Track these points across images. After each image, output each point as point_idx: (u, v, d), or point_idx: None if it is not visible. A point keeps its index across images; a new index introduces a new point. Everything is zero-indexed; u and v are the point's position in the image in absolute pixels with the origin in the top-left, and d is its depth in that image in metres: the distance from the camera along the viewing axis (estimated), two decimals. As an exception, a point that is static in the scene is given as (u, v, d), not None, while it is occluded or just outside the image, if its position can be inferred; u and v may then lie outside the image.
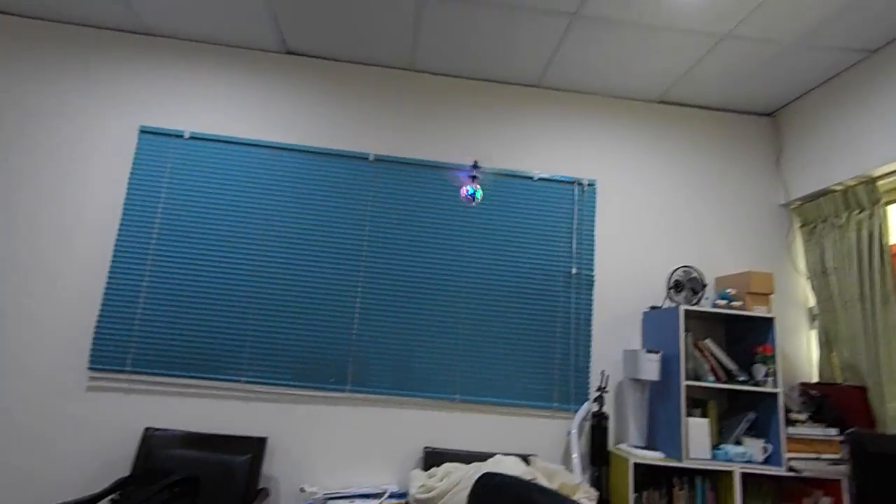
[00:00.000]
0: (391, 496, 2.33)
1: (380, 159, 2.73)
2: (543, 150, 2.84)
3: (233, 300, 2.53)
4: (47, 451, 2.35)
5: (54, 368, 2.42)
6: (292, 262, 2.59)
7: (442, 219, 2.69)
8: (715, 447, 2.33)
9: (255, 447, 2.38)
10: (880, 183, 2.35)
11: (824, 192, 2.58)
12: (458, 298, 2.62)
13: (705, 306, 2.42)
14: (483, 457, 2.41)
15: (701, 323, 2.64)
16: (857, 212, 2.40)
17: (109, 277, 2.49)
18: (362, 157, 2.72)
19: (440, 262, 2.65)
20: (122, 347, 2.45)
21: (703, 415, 2.41)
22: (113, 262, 2.51)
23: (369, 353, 2.54)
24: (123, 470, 2.37)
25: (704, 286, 2.49)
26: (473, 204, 2.64)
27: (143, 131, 2.64)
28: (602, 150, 2.87)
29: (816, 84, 2.65)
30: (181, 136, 2.65)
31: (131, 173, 2.60)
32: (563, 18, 2.32)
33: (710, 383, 2.34)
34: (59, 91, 2.65)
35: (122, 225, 2.54)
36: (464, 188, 2.59)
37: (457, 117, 2.84)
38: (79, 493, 2.33)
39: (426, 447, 2.46)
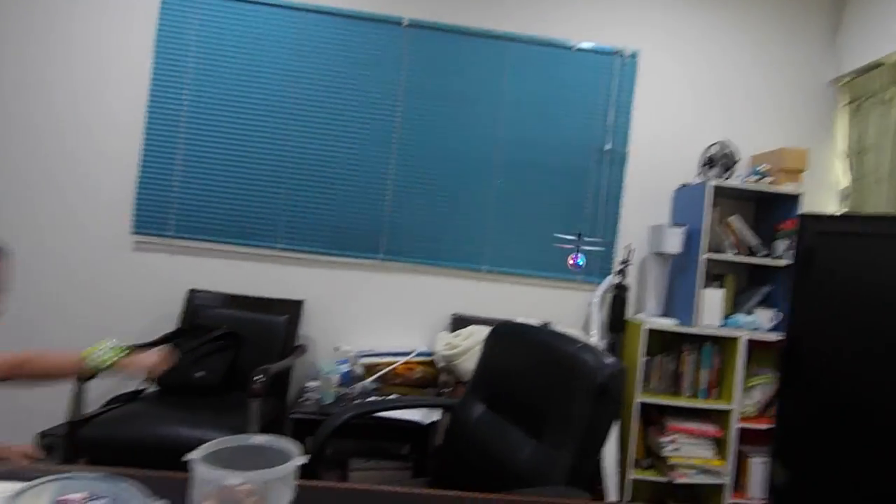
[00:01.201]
0: (419, 354, 2.52)
1: (413, 24, 2.57)
2: (584, 16, 2.67)
3: (268, 168, 2.55)
4: (99, 302, 2.51)
5: (102, 229, 2.51)
6: (324, 130, 2.56)
7: (477, 90, 2.61)
8: (727, 317, 2.47)
9: (292, 309, 2.52)
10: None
11: (876, 65, 2.47)
12: (489, 171, 2.62)
13: (734, 182, 2.42)
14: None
15: (731, 199, 2.66)
16: (906, 86, 2.32)
17: (145, 143, 2.49)
18: (395, 22, 2.57)
19: (473, 135, 2.61)
20: (162, 212, 2.51)
21: (721, 287, 2.53)
22: (147, 127, 2.48)
23: (402, 223, 2.59)
24: (170, 326, 2.52)
25: (736, 162, 2.48)
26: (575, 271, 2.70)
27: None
28: (646, 19, 2.69)
29: (889, -58, 2.42)
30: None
31: (157, 36, 2.50)
32: None
33: (729, 257, 2.42)
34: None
35: (153, 87, 2.49)
36: (571, 257, 2.63)
37: None
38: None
39: (454, 314, 2.61)
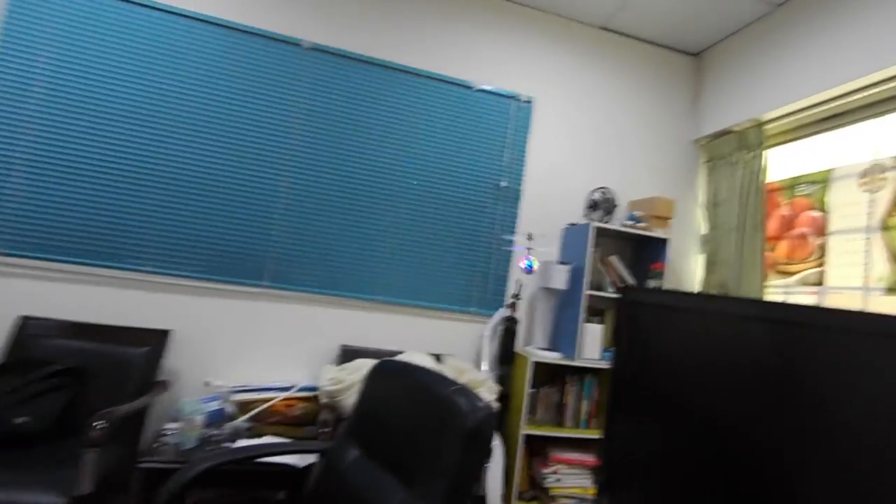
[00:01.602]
0: (302, 389, 2.34)
1: (315, 48, 2.49)
2: (486, 61, 2.78)
3: (137, 183, 2.26)
4: None
5: None
6: (209, 147, 2.35)
7: (376, 120, 2.57)
8: (606, 350, 2.63)
9: (155, 339, 2.23)
10: (767, 127, 2.65)
11: (726, 132, 2.86)
12: (386, 201, 2.57)
13: (614, 225, 2.63)
14: (396, 354, 2.50)
15: (611, 240, 2.88)
16: (746, 152, 2.70)
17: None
18: (294, 43, 2.46)
19: (371, 163, 2.56)
20: (-12, 222, 2.09)
21: (602, 322, 2.69)
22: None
23: (291, 250, 2.43)
24: (-7, 359, 2.10)
25: (616, 206, 2.69)
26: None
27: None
28: (543, 69, 2.88)
29: (735, 30, 2.85)
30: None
31: (3, 26, 2.12)
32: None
33: (609, 294, 2.60)
34: None
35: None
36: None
37: (402, 15, 2.66)
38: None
39: (343, 345, 2.48)
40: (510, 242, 2.73)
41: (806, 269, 2.50)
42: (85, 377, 2.01)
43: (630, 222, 2.64)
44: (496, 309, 2.69)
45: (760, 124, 2.65)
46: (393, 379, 1.44)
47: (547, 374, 2.62)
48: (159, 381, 2.20)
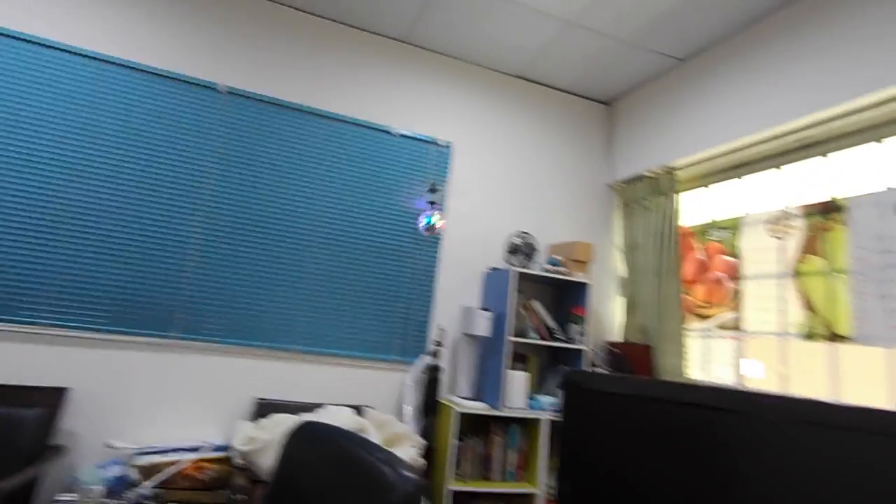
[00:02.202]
0: (215, 449, 2.23)
1: (231, 92, 2.53)
2: (405, 106, 2.87)
3: (38, 229, 2.19)
4: None
5: None
6: (114, 191, 2.31)
7: (293, 164, 2.59)
8: (531, 397, 2.60)
9: (50, 398, 2.11)
10: (678, 173, 2.76)
11: (639, 177, 2.97)
12: (303, 247, 2.56)
13: (535, 269, 2.66)
14: (315, 407, 2.41)
15: (532, 285, 2.90)
16: (659, 197, 2.80)
17: None
18: (211, 87, 2.50)
19: (287, 209, 2.56)
20: None
21: (525, 369, 2.66)
22: None
23: (201, 299, 2.37)
24: None
25: (536, 251, 2.73)
26: (428, 234, 2.62)
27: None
28: (461, 115, 2.98)
29: (644, 81, 3.02)
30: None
31: None
32: (426, -23, 2.34)
33: (532, 340, 2.59)
34: None
35: None
36: (421, 217, 2.57)
37: (320, 59, 2.73)
38: None
39: (258, 398, 2.39)
40: (416, 198, 2.60)
41: (722, 313, 2.55)
42: None
43: (550, 266, 2.67)
44: (417, 356, 2.65)
45: (672, 170, 2.76)
46: (314, 443, 1.36)
47: (472, 424, 2.56)
48: (53, 446, 2.07)
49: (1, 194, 2.17)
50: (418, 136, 2.83)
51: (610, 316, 3.05)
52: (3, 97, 2.21)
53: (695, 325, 2.68)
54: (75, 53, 2.33)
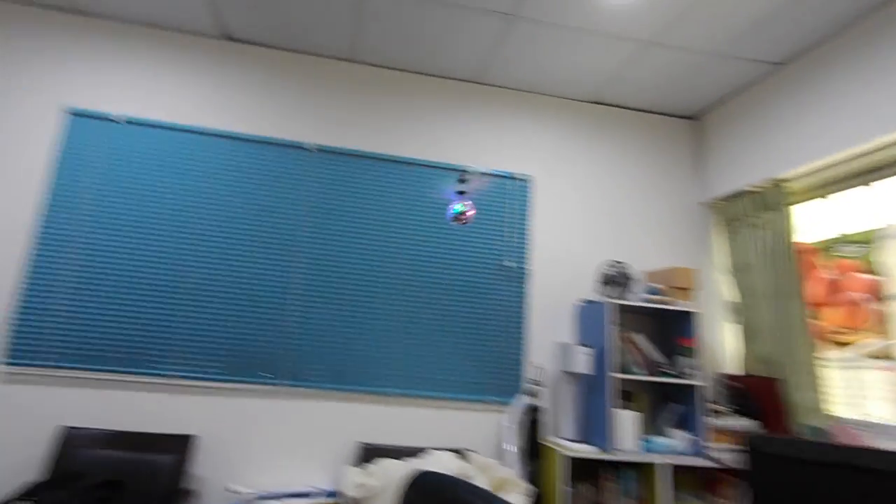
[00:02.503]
0: (325, 495, 2.28)
1: (319, 149, 2.72)
2: (482, 145, 2.90)
3: (164, 291, 2.45)
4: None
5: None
6: (224, 252, 2.54)
7: (379, 211, 2.70)
8: (644, 439, 2.40)
9: (181, 445, 2.30)
10: (788, 185, 2.50)
11: (740, 193, 2.73)
12: (393, 292, 2.62)
13: (633, 300, 2.50)
14: (418, 452, 2.40)
15: (630, 316, 2.73)
16: (768, 212, 2.54)
17: (32, 267, 2.37)
18: (300, 147, 2.71)
19: (376, 256, 2.65)
20: (42, 340, 2.33)
21: (632, 407, 2.48)
22: (36, 250, 2.39)
23: (303, 346, 2.50)
24: (34, 472, 2.23)
25: (632, 280, 2.57)
26: (456, 223, 2.63)
27: (74, 114, 2.55)
28: (537, 147, 2.95)
29: (735, 92, 2.82)
30: (114, 121, 2.57)
31: (60, 156, 2.50)
32: (500, 18, 2.39)
33: (638, 376, 2.41)
34: (-19, 73, 2.54)
35: (45, 211, 2.43)
36: (450, 207, 2.60)
37: (397, 110, 2.87)
38: (-18, 497, 2.19)
39: (360, 442, 2.43)
40: (454, 187, 2.50)
41: (867, 340, 2.21)
42: (121, 489, 2.08)
43: (650, 296, 2.50)
44: (513, 395, 2.56)
45: (780, 182, 2.51)
46: (431, 494, 1.36)
47: (579, 468, 2.40)
48: (186, 490, 2.23)
49: (131, 261, 2.46)
50: (496, 172, 2.84)
51: (722, 346, 2.78)
52: (133, 175, 2.54)
53: (831, 353, 2.35)
54: (186, 131, 2.63)
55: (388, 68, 2.91)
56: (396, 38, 2.63)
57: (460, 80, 2.96)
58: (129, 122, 2.59)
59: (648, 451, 2.34)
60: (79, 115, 2.55)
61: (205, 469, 2.35)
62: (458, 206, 2.53)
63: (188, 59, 2.73)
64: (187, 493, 2.22)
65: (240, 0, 2.46)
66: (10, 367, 2.29)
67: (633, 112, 3.10)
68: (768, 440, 1.02)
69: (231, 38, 2.78)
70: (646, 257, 2.87)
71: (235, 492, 2.27)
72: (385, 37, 2.63)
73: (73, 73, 2.61)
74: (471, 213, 2.58)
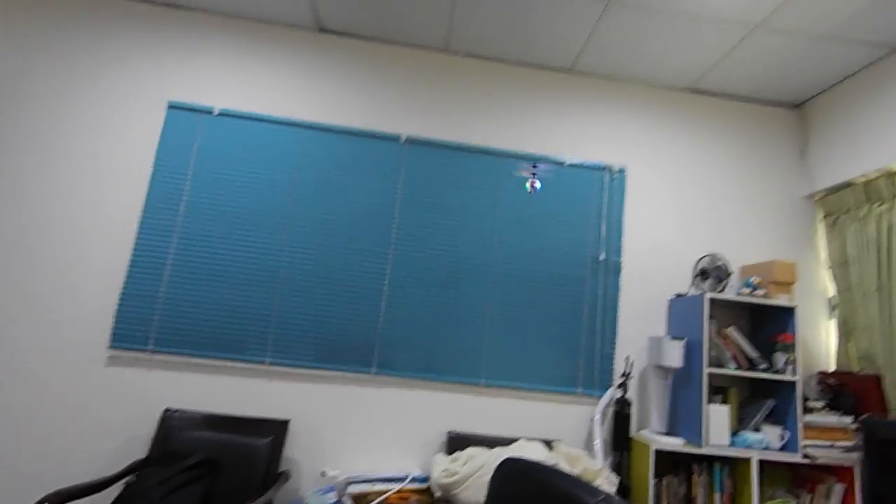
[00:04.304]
0: (413, 480, 2.32)
1: (411, 141, 2.70)
2: (575, 135, 2.84)
3: (258, 279, 2.49)
4: (69, 419, 2.31)
5: (79, 342, 2.37)
6: (320, 242, 2.56)
7: (471, 202, 2.68)
8: (734, 434, 2.37)
9: (276, 430, 2.35)
10: (900, 176, 2.40)
11: (847, 185, 2.63)
12: (485, 282, 2.61)
13: (729, 294, 2.45)
14: (506, 441, 2.42)
15: (725, 310, 2.67)
16: (877, 204, 2.45)
17: (134, 255, 2.44)
18: (393, 139, 2.69)
19: (469, 246, 2.63)
20: (144, 325, 2.40)
21: (724, 401, 2.45)
22: (138, 238, 2.46)
23: (396, 336, 2.52)
24: (141, 450, 2.32)
25: (729, 274, 2.52)
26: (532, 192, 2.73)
27: (172, 107, 2.58)
28: (633, 138, 2.88)
29: (842, 78, 2.69)
30: (210, 113, 2.59)
31: (158, 149, 2.55)
32: (597, 4, 2.31)
33: (731, 371, 2.38)
34: (87, 67, 2.59)
35: (147, 201, 2.49)
36: (530, 183, 2.68)
37: (489, 100, 2.82)
38: (93, 473, 2.28)
39: (450, 431, 2.46)
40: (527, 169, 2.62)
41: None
42: (218, 468, 2.15)
43: (747, 290, 2.45)
44: (604, 389, 2.55)
45: (893, 173, 2.40)
46: (522, 484, 1.38)
47: (668, 462, 2.40)
48: (282, 472, 2.30)
49: (229, 251, 2.50)
50: (591, 164, 2.79)
51: (819, 342, 2.71)
52: (229, 167, 2.56)
53: (944, 352, 2.28)
54: (280, 123, 2.64)
55: (481, 58, 2.85)
56: (491, 27, 2.56)
57: (554, 69, 2.89)
58: (224, 114, 2.60)
59: (740, 445, 2.32)
60: (177, 107, 2.58)
61: (298, 452, 2.41)
62: (539, 185, 2.61)
63: (282, 50, 2.72)
64: (282, 476, 2.28)
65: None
66: (114, 350, 2.36)
67: (733, 101, 2.98)
68: (886, 424, 0.98)
69: (324, 30, 2.75)
70: (741, 251, 2.79)
71: (329, 475, 2.32)
72: (480, 27, 2.57)
73: (170, 66, 2.64)
74: (534, 183, 2.67)
